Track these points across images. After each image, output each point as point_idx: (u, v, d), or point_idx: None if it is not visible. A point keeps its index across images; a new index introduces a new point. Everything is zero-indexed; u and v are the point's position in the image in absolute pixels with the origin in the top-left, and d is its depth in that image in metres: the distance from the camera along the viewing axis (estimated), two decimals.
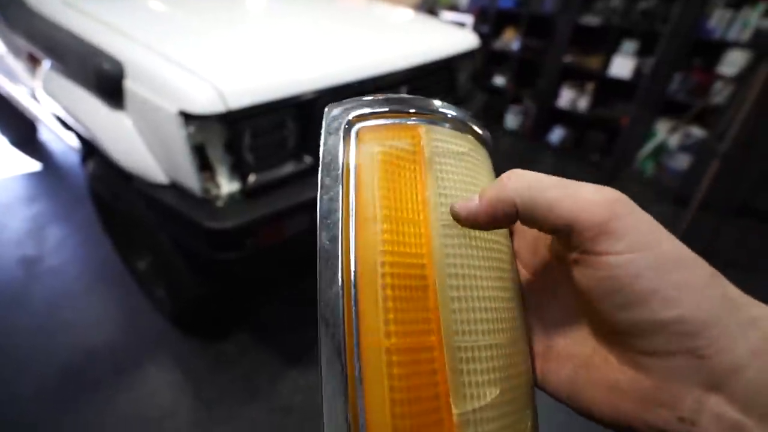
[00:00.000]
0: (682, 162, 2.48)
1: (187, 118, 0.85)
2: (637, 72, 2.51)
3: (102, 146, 1.05)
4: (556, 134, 3.11)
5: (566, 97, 2.95)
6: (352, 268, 0.18)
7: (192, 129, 0.86)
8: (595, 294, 0.17)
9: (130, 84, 0.94)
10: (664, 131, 2.50)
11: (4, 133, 2.72)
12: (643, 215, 0.17)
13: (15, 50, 1.40)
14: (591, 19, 2.65)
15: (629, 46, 2.55)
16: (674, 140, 2.51)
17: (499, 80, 3.41)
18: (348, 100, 0.23)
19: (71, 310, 1.54)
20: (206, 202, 0.94)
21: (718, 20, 2.17)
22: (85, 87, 1.04)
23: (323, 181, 0.20)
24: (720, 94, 2.05)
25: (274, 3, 1.51)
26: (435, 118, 0.23)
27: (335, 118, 0.22)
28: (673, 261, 0.16)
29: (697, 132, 2.40)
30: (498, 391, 0.18)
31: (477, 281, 0.19)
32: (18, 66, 1.47)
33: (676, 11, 2.21)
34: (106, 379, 1.30)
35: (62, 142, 2.26)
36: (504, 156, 3.05)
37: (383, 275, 0.18)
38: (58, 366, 1.33)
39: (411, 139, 0.21)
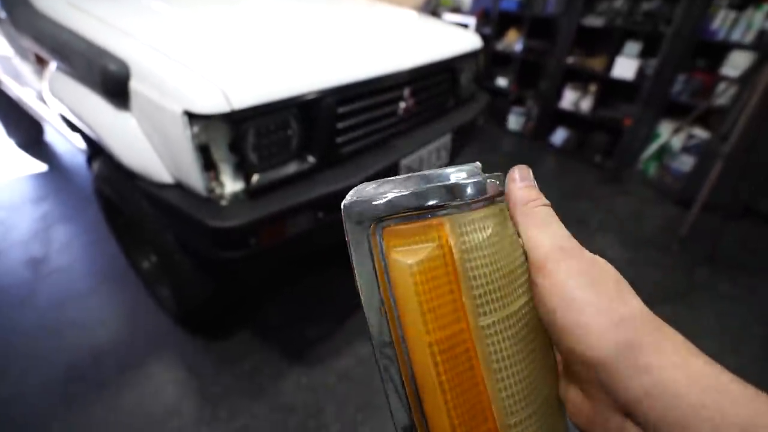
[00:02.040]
0: (685, 163, 2.47)
1: (192, 118, 0.86)
2: (641, 73, 2.51)
3: (107, 146, 1.06)
4: (559, 135, 3.11)
5: (569, 99, 2.95)
6: (415, 393, 0.21)
7: (196, 129, 0.87)
8: (542, 320, 0.21)
9: (135, 84, 0.95)
10: (667, 133, 2.50)
11: (11, 135, 2.75)
12: (578, 261, 0.20)
13: (22, 52, 1.42)
14: (594, 21, 2.65)
15: (632, 47, 2.55)
16: (677, 142, 2.50)
17: (501, 81, 3.41)
18: (362, 189, 0.22)
19: (77, 309, 1.55)
20: (210, 201, 0.95)
21: (721, 21, 2.16)
22: (91, 88, 1.06)
23: (364, 292, 0.22)
24: (723, 95, 2.04)
25: (278, 3, 1.52)
26: (456, 204, 0.22)
27: (357, 219, 0.22)
28: (581, 304, 0.19)
29: (700, 133, 2.39)
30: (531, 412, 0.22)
31: (518, 365, 0.22)
32: (25, 68, 1.48)
33: (680, 12, 2.21)
34: (111, 377, 1.31)
35: (68, 144, 2.29)
36: (506, 157, 3.05)
37: (440, 383, 0.21)
38: (64, 364, 1.35)
39: (438, 240, 0.21)
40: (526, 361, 0.22)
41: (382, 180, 0.22)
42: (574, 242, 0.21)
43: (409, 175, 0.22)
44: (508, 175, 0.24)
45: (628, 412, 0.17)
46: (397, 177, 0.22)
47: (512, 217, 0.23)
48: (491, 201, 0.23)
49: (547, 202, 0.23)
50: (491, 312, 0.21)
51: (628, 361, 0.17)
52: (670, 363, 0.16)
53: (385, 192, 0.22)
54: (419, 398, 0.21)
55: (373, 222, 0.21)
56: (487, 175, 0.23)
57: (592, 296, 0.19)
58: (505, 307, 0.22)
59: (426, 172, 0.22)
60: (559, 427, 0.24)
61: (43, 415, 1.20)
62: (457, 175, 0.23)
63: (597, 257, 0.21)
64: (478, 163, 0.24)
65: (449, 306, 0.21)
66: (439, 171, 0.23)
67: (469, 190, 0.22)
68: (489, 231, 0.22)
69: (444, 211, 0.21)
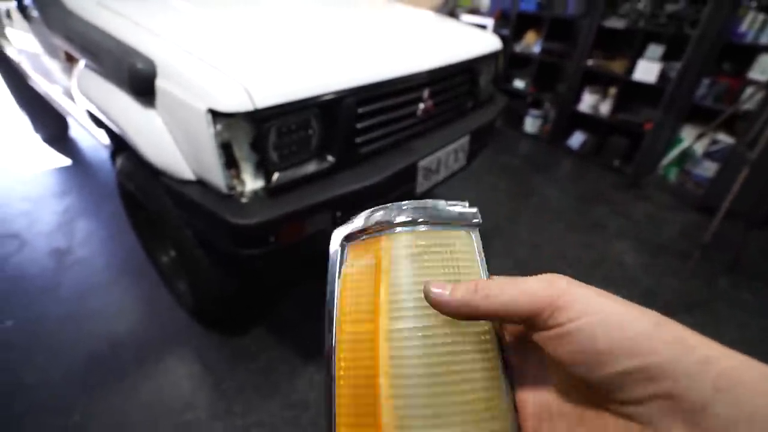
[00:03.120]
0: (707, 169, 2.41)
1: (216, 115, 0.88)
2: (663, 76, 2.46)
3: (132, 142, 1.09)
4: (576, 139, 3.07)
5: (588, 102, 2.91)
6: (332, 370, 0.25)
7: (220, 127, 0.89)
8: (566, 361, 0.20)
9: (161, 82, 0.97)
10: (689, 138, 2.44)
11: (37, 130, 2.84)
12: (583, 288, 0.20)
13: (52, 50, 1.46)
14: (616, 23, 2.61)
15: (655, 50, 2.50)
16: (700, 147, 2.44)
17: (519, 83, 3.38)
18: (349, 220, 0.27)
19: (98, 300, 1.59)
20: (231, 198, 0.97)
21: (750, 23, 2.11)
22: (118, 85, 1.08)
23: (328, 294, 0.26)
24: (750, 100, 1.98)
25: (299, 4, 1.54)
26: (401, 225, 0.25)
27: (335, 239, 0.27)
28: (618, 317, 0.18)
29: (724, 139, 2.33)
30: None
31: (419, 379, 0.22)
32: (54, 65, 1.53)
33: (707, 14, 2.16)
34: (130, 368, 1.34)
35: (91, 139, 2.35)
36: (522, 160, 3.02)
37: (339, 374, 0.24)
38: (86, 353, 1.38)
39: (374, 252, 0.25)
40: (435, 387, 0.22)
41: (369, 210, 0.27)
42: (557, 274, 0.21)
43: (396, 204, 0.26)
44: (425, 294, 0.23)
45: (694, 421, 0.16)
46: (382, 207, 0.26)
47: (473, 313, 0.22)
48: (442, 225, 0.25)
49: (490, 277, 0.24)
50: (402, 319, 0.23)
51: (687, 358, 0.17)
52: (721, 353, 0.16)
53: (368, 213, 0.26)
54: (333, 375, 0.24)
55: (343, 240, 0.27)
56: (446, 202, 0.26)
57: (621, 307, 0.18)
58: (420, 318, 0.23)
59: (408, 203, 0.26)
60: None
61: (65, 402, 1.24)
62: (410, 210, 0.25)
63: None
64: (466, 203, 0.27)
65: (367, 306, 0.24)
66: (430, 202, 0.26)
67: (419, 219, 0.25)
68: (418, 249, 0.24)
69: (388, 231, 0.25)
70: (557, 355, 0.20)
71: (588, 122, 3.00)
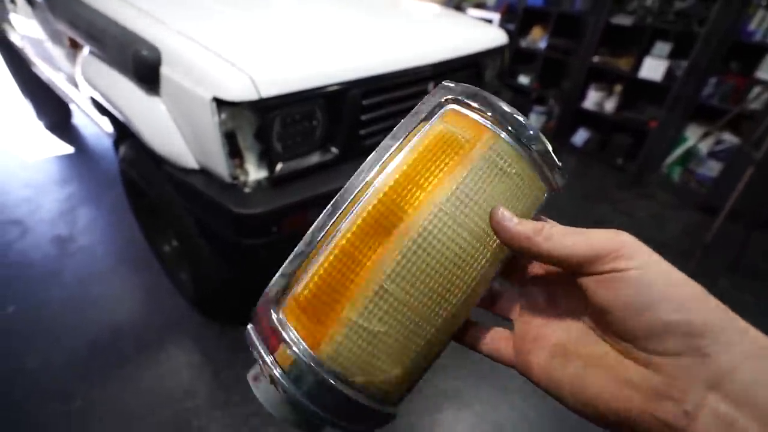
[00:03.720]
0: (711, 169, 2.40)
1: (220, 104, 0.87)
2: (669, 74, 2.44)
3: (136, 130, 1.08)
4: (581, 136, 3.05)
5: (592, 99, 2.89)
6: (366, 190, 0.23)
7: (224, 116, 0.88)
8: (614, 305, 0.20)
9: (166, 70, 0.97)
10: (694, 137, 2.43)
11: (40, 117, 2.83)
12: (645, 246, 0.21)
13: (56, 36, 1.45)
14: (623, 19, 2.58)
15: (662, 47, 2.47)
16: (704, 146, 2.43)
17: (523, 79, 3.36)
18: (461, 85, 0.26)
19: (100, 287, 1.60)
20: (234, 188, 0.97)
21: (759, 22, 2.08)
22: (123, 72, 1.08)
23: (397, 127, 0.25)
24: (757, 100, 1.97)
25: None
26: (510, 134, 0.24)
27: (439, 94, 0.26)
28: (675, 276, 0.20)
29: (729, 139, 2.32)
30: (383, 330, 0.22)
31: (433, 264, 0.22)
32: (58, 51, 1.52)
33: (715, 12, 2.14)
34: (130, 355, 1.35)
35: (94, 127, 2.34)
36: None
37: (375, 202, 0.23)
38: (87, 339, 1.39)
39: (472, 134, 0.24)
40: (437, 277, 0.22)
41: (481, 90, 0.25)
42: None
43: (507, 103, 0.25)
44: (490, 216, 0.23)
45: (717, 383, 0.17)
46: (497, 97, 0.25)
47: (531, 249, 0.22)
48: (532, 159, 0.24)
49: (541, 224, 0.23)
50: (454, 207, 0.22)
51: (730, 324, 0.18)
52: (759, 332, 0.18)
53: (481, 93, 0.25)
54: (360, 202, 0.23)
55: (449, 98, 0.25)
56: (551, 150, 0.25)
57: (676, 271, 0.20)
58: (463, 219, 0.22)
59: (516, 111, 0.24)
60: (401, 356, 0.23)
61: (67, 387, 1.25)
62: (534, 132, 0.24)
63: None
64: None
65: (431, 175, 0.23)
66: (527, 120, 0.24)
67: (529, 132, 0.24)
68: (510, 170, 0.24)
69: (495, 127, 0.24)
70: (605, 299, 0.21)
71: (592, 119, 2.98)
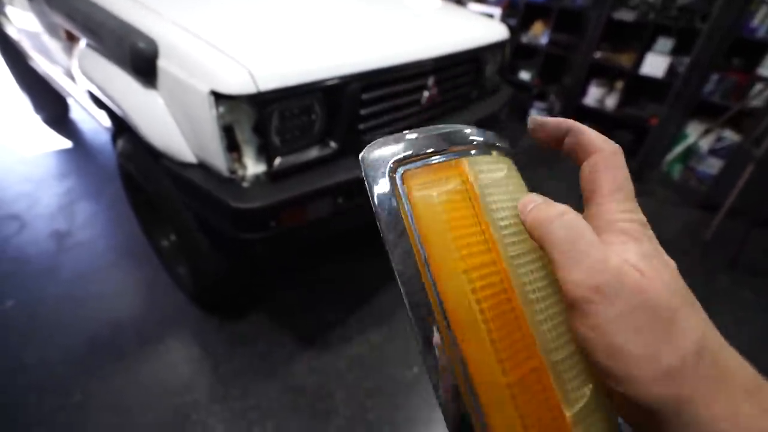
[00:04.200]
0: (712, 166, 2.40)
1: (218, 98, 0.86)
2: (671, 71, 2.43)
3: (133, 124, 1.08)
4: None
5: (593, 95, 2.88)
6: (447, 317, 0.19)
7: (222, 109, 0.88)
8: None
9: (163, 63, 0.96)
10: (695, 133, 2.42)
11: (37, 111, 2.82)
12: (619, 302, 0.18)
13: (52, 29, 1.44)
14: (625, 15, 2.56)
15: (664, 43, 2.46)
16: (705, 143, 2.42)
17: (524, 75, 3.34)
18: (379, 141, 0.22)
19: (98, 282, 1.60)
20: (232, 182, 0.96)
21: (762, 19, 2.07)
22: (120, 65, 1.07)
23: (388, 238, 0.20)
24: (759, 97, 1.96)
25: None
26: (471, 149, 0.23)
27: (374, 165, 0.22)
28: (624, 352, 0.17)
29: (730, 136, 2.31)
30: (591, 386, 0.20)
31: (552, 298, 0.20)
32: (55, 44, 1.51)
33: (718, 8, 2.13)
34: (129, 350, 1.35)
35: (92, 121, 2.33)
36: (526, 154, 3.00)
37: (481, 311, 0.19)
38: (86, 334, 1.39)
39: (459, 177, 0.22)
40: (558, 298, 0.20)
41: (400, 133, 0.23)
42: (612, 267, 0.18)
43: (428, 127, 0.23)
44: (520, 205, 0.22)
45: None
46: (415, 129, 0.23)
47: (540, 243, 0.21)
48: (502, 151, 0.25)
49: (562, 209, 0.20)
50: (519, 243, 0.21)
51: (677, 418, 0.16)
52: (720, 415, 0.16)
53: (403, 137, 0.22)
54: (453, 335, 0.19)
55: (391, 165, 0.21)
56: (494, 133, 0.26)
57: (636, 345, 0.17)
58: (527, 241, 0.21)
59: (441, 126, 0.24)
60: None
61: (65, 382, 1.24)
62: (470, 130, 0.24)
63: (645, 278, 0.17)
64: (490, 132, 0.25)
65: (477, 237, 0.20)
66: (455, 126, 0.24)
67: (481, 141, 0.24)
68: (504, 173, 0.23)
69: (460, 154, 0.22)
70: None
71: (593, 116, 2.97)
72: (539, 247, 0.20)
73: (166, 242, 1.57)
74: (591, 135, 0.23)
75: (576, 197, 0.25)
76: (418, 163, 0.22)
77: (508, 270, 0.20)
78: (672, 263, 0.20)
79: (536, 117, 0.24)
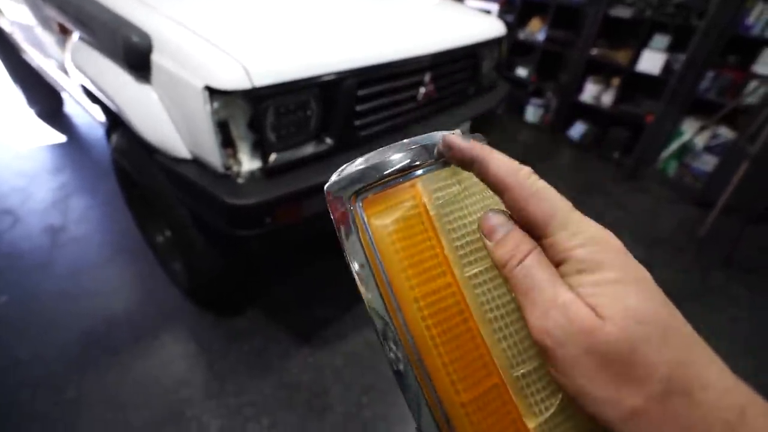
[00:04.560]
0: (707, 163, 2.41)
1: (213, 93, 0.86)
2: (667, 68, 2.43)
3: (127, 119, 1.07)
4: (577, 129, 3.05)
5: (590, 92, 2.88)
6: (412, 348, 0.21)
7: (217, 105, 0.87)
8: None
9: (157, 57, 0.95)
10: (690, 130, 2.43)
11: (31, 105, 2.79)
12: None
13: (45, 21, 1.42)
14: (622, 11, 2.56)
15: (660, 40, 2.46)
16: (700, 141, 2.43)
17: (521, 71, 3.34)
18: (342, 168, 0.23)
19: (93, 278, 1.59)
20: (227, 178, 0.95)
21: (757, 16, 2.07)
22: (113, 59, 1.06)
23: (354, 268, 0.22)
24: (754, 94, 1.97)
25: None
26: (428, 165, 0.23)
27: (336, 196, 0.23)
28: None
29: (725, 133, 2.32)
30: (559, 397, 0.20)
31: (513, 315, 0.21)
32: (48, 37, 1.49)
33: (714, 5, 2.13)
34: (124, 346, 1.35)
35: (86, 116, 2.31)
36: (522, 149, 3.00)
37: (431, 338, 0.20)
38: (80, 329, 1.39)
39: (413, 200, 0.22)
40: (523, 325, 0.20)
41: (365, 156, 0.23)
42: (561, 309, 0.17)
43: (388, 146, 0.23)
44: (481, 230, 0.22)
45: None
46: (379, 149, 0.23)
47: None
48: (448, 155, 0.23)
49: (523, 249, 0.20)
50: (476, 262, 0.21)
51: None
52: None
53: (359, 165, 0.23)
54: (421, 360, 0.20)
55: (351, 195, 0.22)
56: (452, 132, 0.23)
57: (597, 387, 0.16)
58: (485, 264, 0.21)
59: (402, 142, 0.23)
60: None
61: (59, 378, 1.24)
62: (418, 143, 0.23)
63: (596, 318, 0.17)
64: (458, 131, 0.24)
65: (432, 260, 0.21)
66: (416, 139, 0.23)
67: (434, 151, 0.23)
68: (459, 187, 0.22)
69: (415, 174, 0.22)
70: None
71: (589, 113, 2.97)
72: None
73: (161, 238, 1.56)
74: (496, 170, 0.20)
75: (568, 191, 0.24)
76: (378, 188, 0.22)
77: (464, 292, 0.21)
78: (644, 275, 0.18)
79: (448, 137, 0.22)
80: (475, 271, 0.21)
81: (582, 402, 0.17)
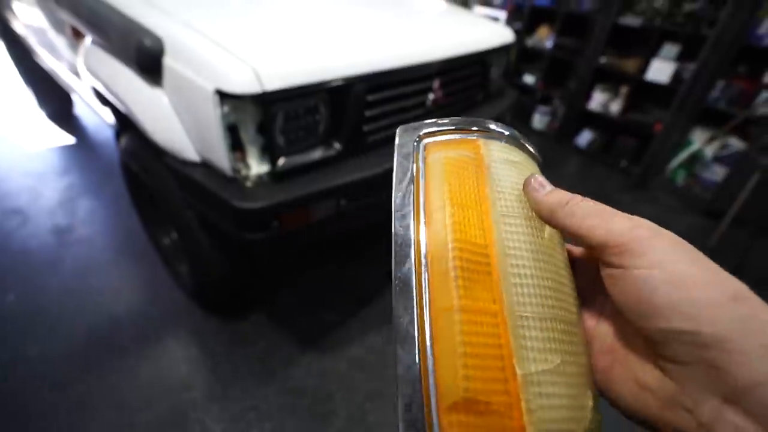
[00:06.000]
0: (716, 173, 2.38)
1: (223, 96, 0.86)
2: (677, 77, 2.42)
3: (137, 121, 1.07)
4: (585, 137, 3.03)
5: (598, 100, 2.87)
6: (423, 250, 0.21)
7: (227, 108, 0.87)
8: (622, 303, 0.19)
9: (169, 61, 0.95)
10: (700, 140, 2.41)
11: (42, 107, 2.82)
12: (665, 237, 0.19)
13: (58, 25, 1.44)
14: (631, 20, 2.56)
15: (670, 49, 2.45)
16: (710, 150, 2.41)
17: (528, 78, 3.33)
18: (415, 123, 0.27)
19: (99, 278, 1.59)
20: (236, 182, 0.96)
21: None
22: (125, 62, 1.07)
23: (397, 181, 0.24)
24: (765, 104, 1.95)
25: None
26: (492, 135, 0.27)
27: (405, 135, 0.27)
28: (690, 279, 0.17)
29: (735, 143, 2.30)
30: (559, 360, 0.19)
31: (534, 263, 0.21)
32: (60, 41, 1.51)
33: (725, 15, 2.12)
34: (128, 347, 1.35)
35: (96, 118, 2.33)
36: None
37: (453, 256, 0.21)
38: (85, 329, 1.39)
39: (472, 149, 0.25)
40: (546, 275, 0.21)
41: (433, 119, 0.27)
42: (650, 222, 0.20)
43: (458, 118, 0.27)
44: (524, 184, 0.24)
45: (735, 397, 0.16)
46: (447, 117, 0.27)
47: (554, 222, 0.23)
48: (520, 144, 0.28)
49: (577, 196, 0.23)
50: (510, 214, 0.23)
51: (754, 338, 0.16)
52: None
53: (435, 121, 0.27)
54: (428, 266, 0.21)
55: (419, 136, 0.27)
56: (522, 134, 0.28)
57: (700, 270, 0.18)
58: (519, 217, 0.23)
59: (471, 118, 0.27)
60: (582, 375, 0.20)
61: (64, 377, 1.24)
62: (497, 123, 0.28)
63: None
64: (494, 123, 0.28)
65: (470, 192, 0.23)
66: (486, 120, 0.28)
67: (505, 133, 0.27)
68: (516, 159, 0.26)
69: (480, 135, 0.26)
70: (614, 294, 0.20)
71: (597, 121, 2.96)
72: (543, 221, 0.23)
73: (168, 240, 1.57)
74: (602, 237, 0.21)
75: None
76: (444, 137, 0.26)
77: (493, 225, 0.22)
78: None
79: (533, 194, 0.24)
80: (509, 216, 0.23)
81: (678, 292, 0.17)
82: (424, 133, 0.26)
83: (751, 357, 0.15)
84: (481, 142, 0.26)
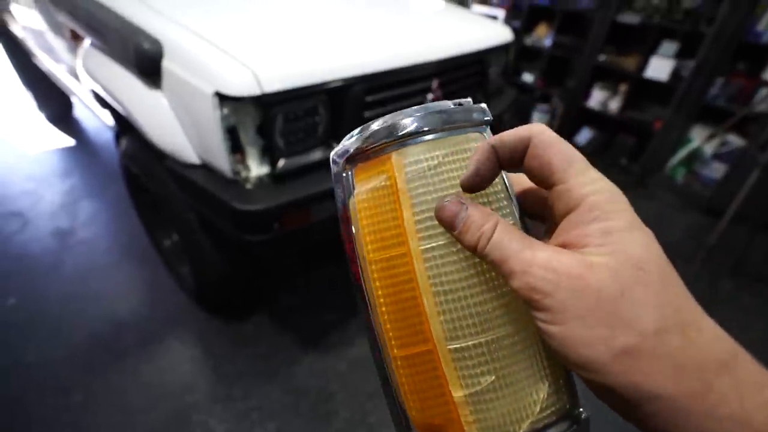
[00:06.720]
0: (716, 171, 2.38)
1: (222, 99, 0.86)
2: (676, 75, 2.42)
3: (137, 124, 1.08)
4: (584, 135, 3.03)
5: (597, 98, 2.87)
6: (368, 301, 0.24)
7: (226, 110, 0.88)
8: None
9: (168, 64, 0.96)
10: (699, 138, 2.41)
11: (41, 109, 2.82)
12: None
13: (57, 28, 1.44)
14: (630, 18, 2.55)
15: (669, 47, 2.45)
16: (709, 148, 2.41)
17: (527, 77, 3.33)
18: (345, 143, 0.25)
19: (100, 281, 1.60)
20: (236, 183, 0.96)
21: (767, 23, 2.06)
22: (124, 65, 1.07)
23: (342, 227, 0.25)
24: (764, 101, 1.95)
25: None
26: (405, 141, 0.23)
27: (335, 164, 0.25)
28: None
29: (734, 140, 2.30)
30: (493, 378, 0.22)
31: (463, 285, 0.22)
32: (59, 43, 1.51)
33: (724, 12, 2.11)
34: (131, 349, 1.35)
35: (96, 120, 2.34)
36: None
37: (381, 311, 0.23)
38: (87, 332, 1.39)
39: (386, 170, 0.23)
40: (477, 296, 0.22)
41: (383, 118, 0.24)
42: (541, 264, 0.18)
43: (394, 113, 0.24)
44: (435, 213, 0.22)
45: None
46: (395, 112, 0.24)
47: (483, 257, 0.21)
48: (453, 130, 0.23)
49: (488, 227, 0.20)
50: (433, 237, 0.22)
51: (644, 402, 0.16)
52: (688, 391, 0.16)
53: (364, 129, 0.24)
54: (373, 310, 0.24)
55: (345, 162, 0.25)
56: (451, 103, 0.24)
57: (587, 327, 0.17)
58: (443, 236, 0.22)
59: (419, 107, 0.24)
60: (529, 376, 0.22)
61: (67, 381, 1.25)
62: (411, 118, 0.23)
63: (583, 265, 0.17)
64: (468, 100, 0.25)
65: (392, 231, 0.23)
66: (432, 104, 0.24)
67: (411, 127, 0.23)
68: (435, 161, 0.23)
69: (394, 147, 0.23)
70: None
71: (596, 119, 2.96)
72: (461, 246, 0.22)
73: (169, 242, 1.57)
74: (516, 131, 0.22)
75: None
76: (360, 163, 0.25)
77: (416, 263, 0.22)
78: (647, 230, 0.19)
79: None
80: (431, 245, 0.22)
81: (570, 347, 0.17)
82: (346, 160, 0.25)
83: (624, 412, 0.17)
84: (394, 158, 0.23)
